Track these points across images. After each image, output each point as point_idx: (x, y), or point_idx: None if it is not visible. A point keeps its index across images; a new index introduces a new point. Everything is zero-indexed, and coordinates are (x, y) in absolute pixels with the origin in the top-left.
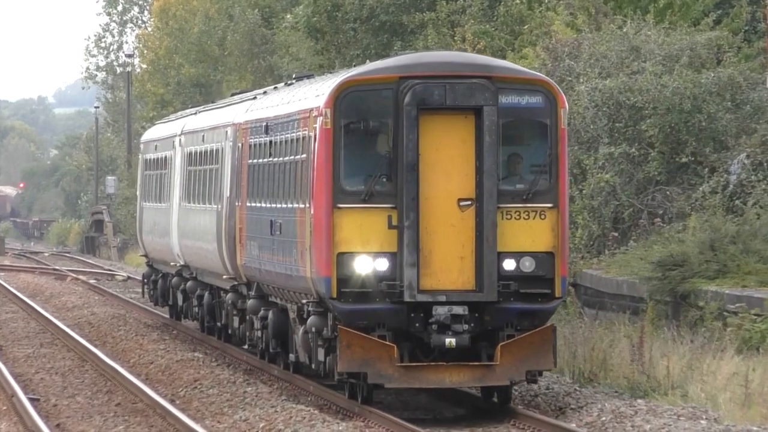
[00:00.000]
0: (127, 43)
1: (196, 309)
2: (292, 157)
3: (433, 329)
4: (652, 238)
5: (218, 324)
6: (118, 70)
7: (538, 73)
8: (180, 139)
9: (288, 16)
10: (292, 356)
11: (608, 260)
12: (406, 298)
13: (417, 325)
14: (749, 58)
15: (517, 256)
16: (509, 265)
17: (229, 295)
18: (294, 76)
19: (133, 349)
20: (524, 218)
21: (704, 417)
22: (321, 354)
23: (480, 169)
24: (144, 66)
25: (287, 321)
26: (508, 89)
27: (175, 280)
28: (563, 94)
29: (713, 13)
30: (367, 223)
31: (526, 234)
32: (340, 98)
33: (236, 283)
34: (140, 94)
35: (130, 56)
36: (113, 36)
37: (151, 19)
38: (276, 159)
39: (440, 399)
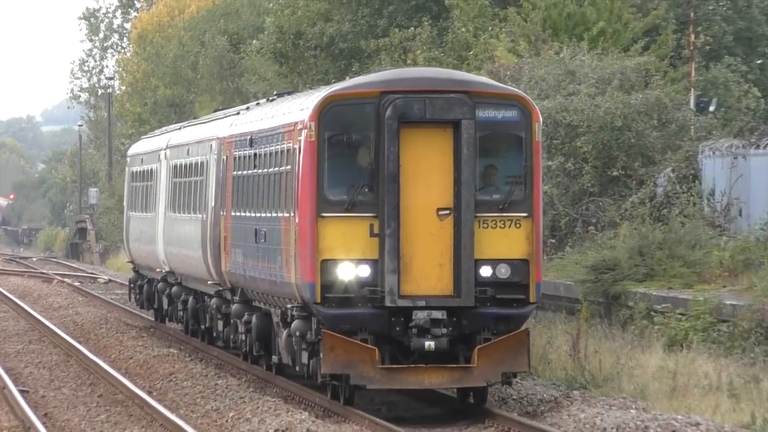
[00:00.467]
0: (107, 66)
1: (181, 312)
2: (277, 168)
3: (413, 333)
4: (587, 244)
5: (202, 327)
6: (100, 91)
7: (514, 89)
8: (166, 153)
9: (254, 41)
10: (274, 358)
11: (546, 265)
12: (387, 303)
13: (398, 328)
14: (674, 81)
15: (494, 263)
16: (486, 271)
17: (214, 300)
18: (275, 93)
19: (114, 346)
20: (500, 227)
21: (634, 407)
22: (305, 357)
23: (458, 180)
24: (123, 88)
25: (270, 325)
26: (485, 104)
27: (160, 285)
28: (537, 109)
29: (642, 40)
30: (349, 232)
31: (502, 242)
32: (324, 112)
33: (221, 288)
34: (120, 114)
35: (110, 79)
36: (95, 60)
37: (130, 45)
38: (260, 170)
39: (419, 399)
